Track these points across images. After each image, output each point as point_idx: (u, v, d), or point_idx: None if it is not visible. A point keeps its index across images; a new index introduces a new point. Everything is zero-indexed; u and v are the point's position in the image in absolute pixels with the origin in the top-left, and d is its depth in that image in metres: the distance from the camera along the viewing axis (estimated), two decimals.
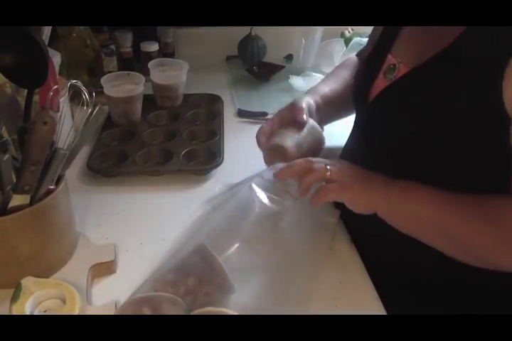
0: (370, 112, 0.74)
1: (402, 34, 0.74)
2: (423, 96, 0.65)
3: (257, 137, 0.78)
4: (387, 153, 0.70)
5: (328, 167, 0.64)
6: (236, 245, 0.66)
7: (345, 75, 0.92)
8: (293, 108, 0.77)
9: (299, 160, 0.67)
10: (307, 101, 0.79)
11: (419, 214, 0.62)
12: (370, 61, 0.79)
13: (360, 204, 0.64)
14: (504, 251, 0.58)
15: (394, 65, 0.71)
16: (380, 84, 0.72)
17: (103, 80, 1.00)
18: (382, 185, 0.64)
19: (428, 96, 0.64)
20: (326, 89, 0.88)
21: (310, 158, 0.67)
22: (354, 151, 0.82)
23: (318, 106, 0.82)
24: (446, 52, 0.62)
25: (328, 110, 0.85)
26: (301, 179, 0.65)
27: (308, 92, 0.87)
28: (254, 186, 0.69)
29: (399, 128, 0.68)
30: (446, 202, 0.61)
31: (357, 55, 0.99)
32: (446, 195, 0.61)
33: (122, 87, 1.03)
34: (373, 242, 0.72)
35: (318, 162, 0.66)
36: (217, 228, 0.70)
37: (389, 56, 0.73)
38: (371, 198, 0.63)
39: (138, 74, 1.04)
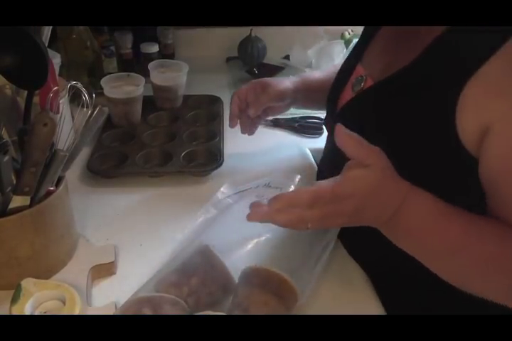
0: (337, 121, 0.74)
1: (373, 44, 0.73)
2: (380, 112, 0.64)
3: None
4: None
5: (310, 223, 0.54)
6: (240, 246, 0.67)
7: (334, 70, 0.92)
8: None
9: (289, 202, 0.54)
10: (250, 85, 0.85)
11: (419, 249, 0.58)
12: (341, 69, 0.79)
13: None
14: None
15: (361, 76, 0.70)
16: (347, 95, 0.72)
17: (103, 81, 1.00)
18: (386, 217, 0.56)
19: (384, 113, 0.63)
20: (312, 75, 0.91)
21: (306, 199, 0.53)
22: (330, 153, 0.82)
23: (296, 88, 0.86)
24: (409, 68, 0.60)
25: (307, 93, 0.89)
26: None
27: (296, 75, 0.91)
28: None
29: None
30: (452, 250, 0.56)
31: None
32: (460, 232, 0.55)
33: (122, 88, 1.03)
34: (373, 242, 0.72)
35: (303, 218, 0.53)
36: (222, 229, 0.70)
37: (358, 66, 0.73)
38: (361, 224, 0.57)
39: (138, 75, 1.05)
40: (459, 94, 0.53)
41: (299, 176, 0.76)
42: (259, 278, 0.60)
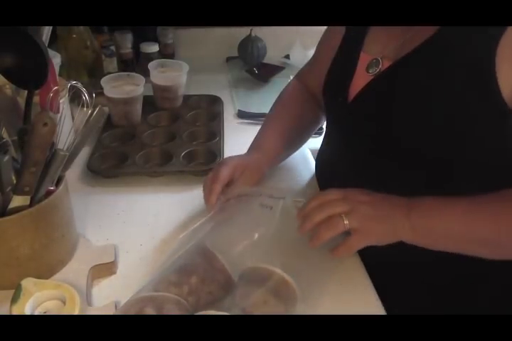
0: (354, 108, 0.73)
1: (372, 31, 0.73)
2: (412, 86, 0.64)
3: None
4: (374, 149, 0.70)
5: (345, 216, 0.60)
6: (241, 247, 0.67)
7: (290, 110, 0.91)
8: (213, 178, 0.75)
9: (313, 205, 0.64)
10: (232, 167, 0.77)
11: (447, 232, 0.60)
12: (340, 63, 0.78)
13: (385, 241, 0.62)
14: None
15: (376, 59, 0.70)
16: (361, 80, 0.72)
17: (103, 81, 1.00)
18: (402, 213, 0.60)
19: (416, 86, 0.64)
20: (271, 141, 0.86)
21: (322, 199, 0.64)
22: (333, 153, 0.81)
23: (259, 166, 0.81)
24: (432, 40, 0.61)
25: (276, 160, 0.87)
26: (316, 230, 0.62)
27: (252, 148, 0.85)
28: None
29: (390, 119, 0.67)
30: (472, 210, 0.59)
31: (296, 77, 0.97)
32: (470, 202, 0.59)
33: (122, 88, 1.03)
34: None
35: (332, 206, 0.62)
36: (223, 231, 0.70)
37: (362, 54, 0.73)
38: (395, 233, 0.61)
39: (138, 75, 1.05)
40: (495, 51, 0.55)
41: (299, 186, 0.78)
42: (258, 277, 0.61)
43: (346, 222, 0.60)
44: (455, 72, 0.59)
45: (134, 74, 1.05)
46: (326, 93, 0.80)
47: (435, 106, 0.61)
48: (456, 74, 0.59)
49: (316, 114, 0.90)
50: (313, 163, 0.96)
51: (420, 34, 0.63)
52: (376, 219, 0.60)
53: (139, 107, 1.03)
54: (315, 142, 1.05)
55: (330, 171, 0.83)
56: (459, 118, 0.60)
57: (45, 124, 0.54)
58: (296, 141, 0.90)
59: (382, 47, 0.70)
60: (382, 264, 0.70)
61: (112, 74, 1.04)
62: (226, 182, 0.75)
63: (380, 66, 0.69)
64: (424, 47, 0.62)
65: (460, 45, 0.59)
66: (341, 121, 0.78)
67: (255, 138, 0.87)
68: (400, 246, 0.63)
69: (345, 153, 0.76)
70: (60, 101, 0.80)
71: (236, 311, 0.57)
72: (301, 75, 0.95)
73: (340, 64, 0.78)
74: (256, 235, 0.68)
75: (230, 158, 0.81)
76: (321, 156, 0.87)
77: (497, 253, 0.61)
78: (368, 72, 0.71)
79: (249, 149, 0.85)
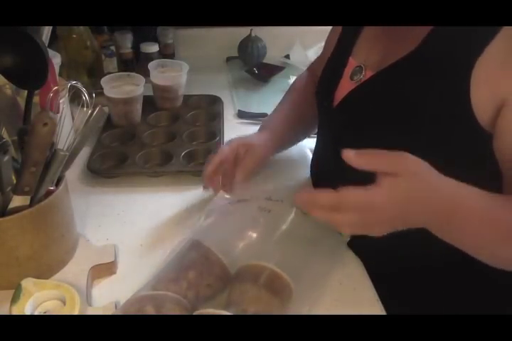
0: (337, 114, 0.74)
1: (362, 37, 0.74)
2: (389, 98, 0.64)
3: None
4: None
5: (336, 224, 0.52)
6: (240, 246, 0.67)
7: (296, 99, 0.92)
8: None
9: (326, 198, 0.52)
10: (235, 145, 0.77)
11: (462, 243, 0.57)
12: (330, 65, 0.78)
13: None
14: None
15: (360, 66, 0.70)
16: (345, 87, 0.72)
17: (103, 81, 1.00)
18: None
19: (393, 99, 0.64)
20: (277, 123, 0.87)
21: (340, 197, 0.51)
22: (324, 154, 0.82)
23: (267, 147, 0.81)
24: (414, 54, 0.61)
25: (282, 142, 0.86)
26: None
27: (258, 130, 0.87)
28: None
29: (368, 129, 0.67)
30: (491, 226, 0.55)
31: (308, 69, 0.98)
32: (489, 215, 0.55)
33: (122, 88, 1.03)
34: (373, 242, 0.72)
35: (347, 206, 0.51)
36: (222, 232, 0.71)
37: (350, 59, 0.73)
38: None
39: (138, 75, 1.05)
40: (470, 72, 0.54)
41: (299, 189, 0.77)
42: (251, 273, 0.61)
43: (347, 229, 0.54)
44: (433, 88, 0.59)
45: (134, 74, 1.05)
46: (317, 95, 0.81)
47: (410, 120, 0.61)
48: (433, 91, 0.59)
49: None
50: None
51: (404, 46, 0.62)
52: (391, 227, 0.53)
53: (139, 107, 1.03)
54: (314, 142, 1.05)
55: (320, 171, 0.85)
56: (433, 134, 0.60)
57: (45, 124, 0.54)
58: (300, 127, 0.90)
59: (367, 55, 0.70)
60: (382, 264, 0.70)
61: (111, 74, 1.04)
62: (227, 158, 0.75)
63: (364, 74, 0.69)
64: (405, 61, 0.62)
65: (439, 62, 0.59)
66: (325, 125, 0.79)
67: (262, 122, 0.89)
68: (401, 246, 0.63)
69: (332, 154, 0.76)
70: (60, 101, 0.80)
71: (232, 309, 0.57)
72: (311, 66, 0.97)
73: (330, 67, 0.78)
74: (253, 236, 0.69)
75: (237, 137, 0.81)
76: (313, 155, 0.89)
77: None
78: (351, 79, 0.71)
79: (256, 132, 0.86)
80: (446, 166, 0.54)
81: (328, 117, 0.77)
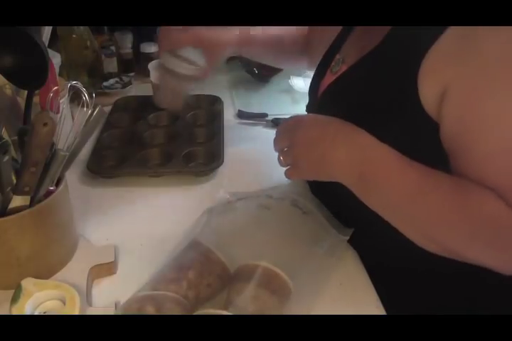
0: (319, 108, 0.76)
1: (351, 35, 0.76)
2: (356, 93, 0.67)
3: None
4: None
5: (281, 153, 0.68)
6: (240, 245, 0.67)
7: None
8: None
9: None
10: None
11: (385, 201, 0.60)
12: (321, 62, 0.81)
13: (321, 179, 0.65)
14: (480, 248, 0.57)
15: (339, 59, 0.74)
16: (328, 80, 0.74)
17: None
18: (343, 168, 0.61)
19: (359, 94, 0.66)
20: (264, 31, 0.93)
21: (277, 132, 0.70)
22: None
23: (240, 43, 0.88)
24: (374, 51, 0.64)
25: (255, 49, 0.94)
26: None
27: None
28: None
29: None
30: (417, 188, 0.58)
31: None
32: (418, 178, 0.58)
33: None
34: (373, 242, 0.72)
35: (277, 141, 0.69)
36: (222, 232, 0.71)
37: (337, 55, 0.76)
38: (330, 175, 0.63)
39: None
40: (419, 67, 0.57)
41: (299, 188, 0.78)
42: (249, 273, 0.61)
43: (281, 158, 0.67)
44: (388, 81, 0.61)
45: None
46: (308, 91, 0.83)
47: (375, 114, 0.64)
48: (388, 83, 0.61)
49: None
50: None
51: (374, 41, 0.65)
52: (307, 161, 0.64)
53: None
54: None
55: None
56: (389, 125, 0.62)
57: (45, 124, 0.54)
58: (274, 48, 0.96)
59: (348, 49, 0.73)
60: (382, 264, 0.70)
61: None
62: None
63: (340, 66, 0.72)
64: (369, 55, 0.65)
65: (395, 55, 0.61)
66: None
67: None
68: (401, 246, 0.63)
69: None
70: (60, 101, 0.80)
71: (231, 309, 0.57)
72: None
73: (322, 60, 0.80)
74: (253, 235, 0.69)
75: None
76: None
77: (429, 247, 0.60)
78: (331, 71, 0.74)
79: None
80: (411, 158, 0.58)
81: (312, 109, 0.79)
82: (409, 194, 0.58)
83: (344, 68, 0.71)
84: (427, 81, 0.57)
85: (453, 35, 0.55)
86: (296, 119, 0.68)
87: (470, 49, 0.54)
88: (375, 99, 0.64)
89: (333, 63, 0.76)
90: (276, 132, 0.70)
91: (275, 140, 0.69)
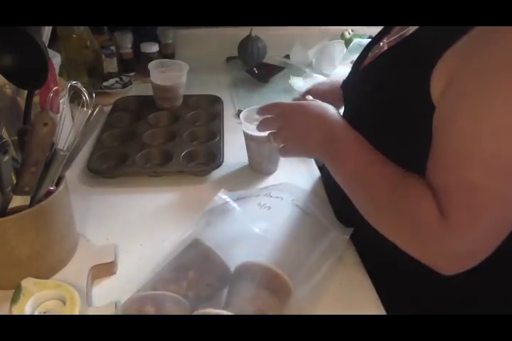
0: (353, 85, 0.79)
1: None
2: (377, 79, 0.69)
3: None
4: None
5: (272, 135, 0.75)
6: (239, 247, 0.67)
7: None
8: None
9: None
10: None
11: (340, 176, 0.68)
12: (368, 44, 0.82)
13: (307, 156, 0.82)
14: (420, 245, 0.59)
15: (380, 44, 0.74)
16: (367, 61, 0.76)
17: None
18: (319, 147, 0.70)
19: (380, 81, 0.68)
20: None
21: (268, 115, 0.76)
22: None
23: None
24: (406, 39, 0.65)
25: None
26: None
27: None
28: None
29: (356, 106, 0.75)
30: (365, 180, 0.64)
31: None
32: (369, 162, 0.64)
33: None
34: (373, 242, 0.72)
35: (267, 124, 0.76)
36: (222, 231, 0.71)
37: (384, 38, 0.76)
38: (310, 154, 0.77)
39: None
40: (437, 61, 0.58)
41: (299, 187, 0.78)
42: (249, 272, 0.61)
43: (272, 137, 0.75)
44: (407, 71, 0.63)
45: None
46: (352, 67, 0.85)
47: (387, 105, 0.66)
48: (407, 74, 0.62)
49: None
50: (312, 161, 0.96)
51: (402, 33, 0.66)
52: (294, 143, 0.73)
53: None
54: None
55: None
56: (397, 113, 0.64)
57: (45, 124, 0.54)
58: None
59: (392, 35, 0.73)
60: (382, 264, 0.70)
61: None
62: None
63: (377, 51, 0.74)
64: (398, 44, 0.66)
65: (416, 52, 0.62)
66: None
67: None
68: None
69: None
70: (60, 101, 0.80)
71: (231, 309, 0.57)
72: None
73: (370, 43, 0.82)
74: (253, 234, 0.69)
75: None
76: None
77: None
78: (371, 53, 0.76)
79: None
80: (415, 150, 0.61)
81: (349, 87, 0.81)
82: (355, 172, 0.65)
83: (378, 54, 0.72)
84: (438, 75, 0.58)
85: (472, 35, 0.55)
86: (284, 105, 0.76)
87: (480, 46, 0.54)
88: (392, 87, 0.65)
89: (375, 47, 0.77)
90: (265, 114, 0.77)
91: (265, 121, 0.76)
